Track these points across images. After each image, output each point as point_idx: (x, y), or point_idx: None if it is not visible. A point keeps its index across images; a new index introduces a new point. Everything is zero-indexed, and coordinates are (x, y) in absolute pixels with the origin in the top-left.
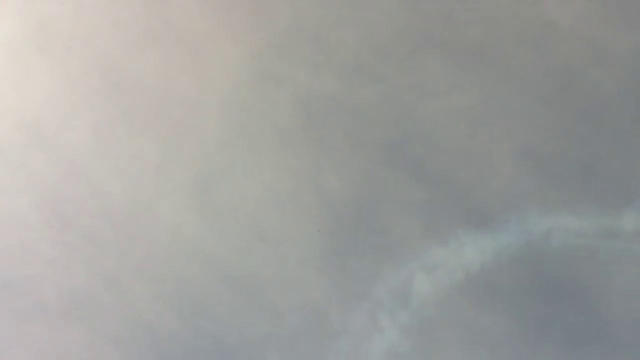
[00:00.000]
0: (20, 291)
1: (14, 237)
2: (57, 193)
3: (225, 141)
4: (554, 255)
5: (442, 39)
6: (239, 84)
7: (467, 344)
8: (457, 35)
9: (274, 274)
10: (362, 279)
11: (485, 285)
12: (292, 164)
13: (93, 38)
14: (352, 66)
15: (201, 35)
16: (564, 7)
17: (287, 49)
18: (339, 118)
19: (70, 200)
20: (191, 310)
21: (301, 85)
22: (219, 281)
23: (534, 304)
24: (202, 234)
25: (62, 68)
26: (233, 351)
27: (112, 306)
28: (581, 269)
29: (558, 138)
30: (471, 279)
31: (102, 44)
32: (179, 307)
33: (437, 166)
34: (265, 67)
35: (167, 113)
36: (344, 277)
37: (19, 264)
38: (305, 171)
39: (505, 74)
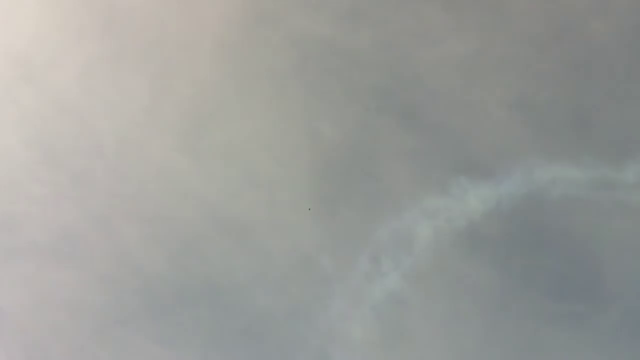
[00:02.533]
0: (9, 229)
1: (3, 174)
2: (46, 130)
3: (217, 83)
4: (546, 206)
5: None
6: (232, 24)
7: (454, 294)
8: None
9: (264, 217)
10: (352, 224)
11: (474, 236)
12: (284, 107)
13: None
14: (348, 9)
15: None
16: None
17: None
18: (333, 62)
19: (59, 138)
20: (180, 251)
21: (295, 27)
22: (209, 223)
23: (522, 256)
24: (193, 176)
25: (53, 4)
26: (222, 293)
27: (101, 246)
28: (573, 220)
29: (554, 88)
30: (461, 229)
31: None
32: (168, 248)
33: (431, 114)
34: (259, 7)
35: (159, 53)
36: (334, 222)
37: (8, 202)
38: (298, 115)
39: (502, 21)
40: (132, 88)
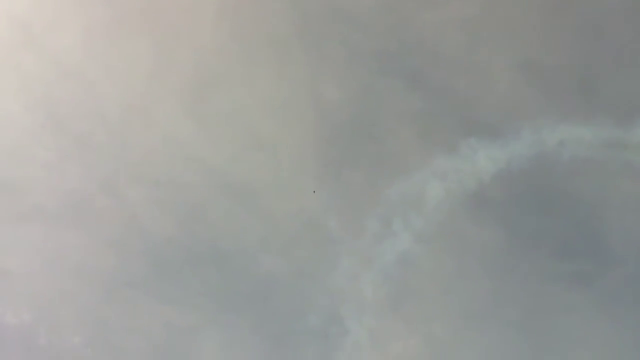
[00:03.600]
0: (15, 194)
1: (8, 139)
2: (49, 95)
3: (220, 47)
4: (554, 167)
5: None
6: None
7: (461, 254)
8: None
9: (269, 181)
10: (357, 187)
11: (480, 197)
12: (288, 71)
13: None
14: None
15: None
16: None
17: None
18: (337, 26)
19: (63, 103)
20: (186, 215)
21: None
22: (214, 187)
23: (529, 217)
24: (197, 140)
25: None
26: (229, 256)
27: (107, 210)
28: (580, 182)
29: (562, 50)
30: (467, 191)
31: None
32: (174, 212)
33: (436, 77)
34: None
35: (162, 17)
36: (339, 185)
37: (13, 167)
38: (302, 79)
39: None
40: (135, 53)
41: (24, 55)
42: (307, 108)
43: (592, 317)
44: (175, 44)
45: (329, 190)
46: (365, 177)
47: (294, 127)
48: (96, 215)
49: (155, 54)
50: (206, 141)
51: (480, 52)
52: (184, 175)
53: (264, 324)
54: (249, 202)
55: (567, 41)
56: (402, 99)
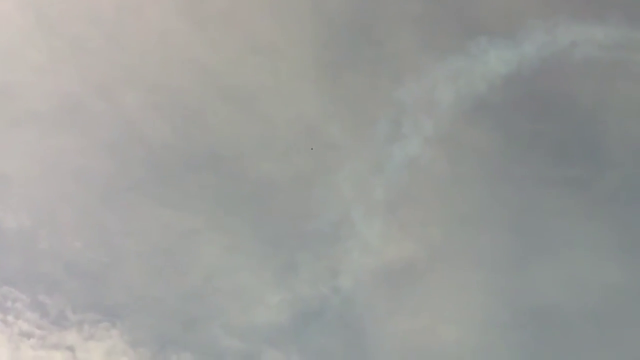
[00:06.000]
0: (9, 97)
1: None
2: None
3: None
4: (560, 69)
5: None
6: None
7: (458, 159)
8: None
9: (267, 85)
10: (356, 91)
11: (479, 101)
12: None
13: None
14: None
15: None
16: None
17: None
18: None
19: (55, 3)
20: (183, 120)
21: None
22: (212, 92)
23: (527, 121)
24: (193, 43)
25: None
26: (226, 160)
27: (103, 114)
28: (585, 85)
29: None
30: (466, 95)
31: None
32: (171, 116)
33: None
34: None
35: None
36: (338, 89)
37: (5, 70)
38: None
39: None
40: None
41: None
42: (305, 9)
43: (586, 220)
44: None
45: (327, 95)
46: (366, 82)
47: (294, 29)
48: (92, 120)
49: None
50: (203, 43)
51: None
52: (181, 79)
53: (262, 228)
54: (247, 106)
55: None
56: (401, 1)
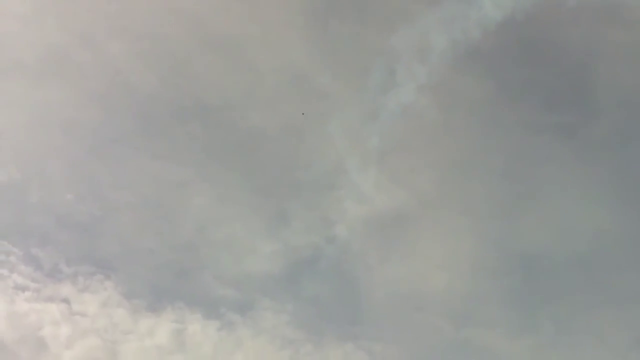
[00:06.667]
0: None
1: None
2: None
3: None
4: (547, 17)
5: None
6: None
7: (448, 107)
8: None
9: (254, 34)
10: (345, 39)
11: (472, 48)
12: None
13: None
14: None
15: None
16: None
17: None
18: None
19: None
20: (170, 69)
21: None
22: (198, 40)
23: (518, 68)
24: None
25: None
26: (214, 110)
27: (89, 64)
28: (577, 32)
29: None
30: (458, 42)
31: None
32: (157, 66)
33: None
34: None
35: None
36: (327, 36)
37: None
38: None
39: None
40: None
41: None
42: None
43: (576, 167)
44: None
45: (318, 43)
46: (356, 29)
47: None
48: (77, 70)
49: None
50: None
51: None
52: (166, 28)
53: (253, 178)
54: (235, 55)
55: None
56: None
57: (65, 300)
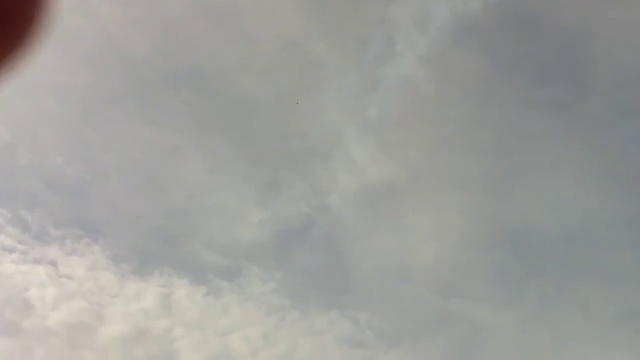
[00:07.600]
0: None
1: None
2: None
3: None
4: None
5: None
6: None
7: (441, 82)
8: None
9: (248, 0)
10: (341, 8)
11: (467, 22)
12: None
13: None
14: None
15: None
16: None
17: None
18: None
19: None
20: (163, 35)
21: None
22: (192, 6)
23: (513, 43)
24: None
25: None
26: (207, 77)
27: (81, 27)
28: (571, 6)
29: None
30: (454, 16)
31: None
32: (150, 31)
33: None
34: None
35: None
36: (323, 5)
37: None
38: None
39: None
40: None
41: None
42: None
43: (569, 143)
44: None
45: (314, 11)
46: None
47: None
48: (70, 33)
49: None
50: None
51: None
52: None
53: (245, 146)
54: (228, 23)
55: None
56: None
57: (52, 263)
